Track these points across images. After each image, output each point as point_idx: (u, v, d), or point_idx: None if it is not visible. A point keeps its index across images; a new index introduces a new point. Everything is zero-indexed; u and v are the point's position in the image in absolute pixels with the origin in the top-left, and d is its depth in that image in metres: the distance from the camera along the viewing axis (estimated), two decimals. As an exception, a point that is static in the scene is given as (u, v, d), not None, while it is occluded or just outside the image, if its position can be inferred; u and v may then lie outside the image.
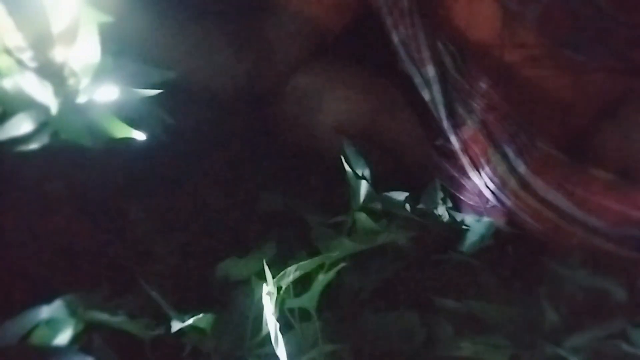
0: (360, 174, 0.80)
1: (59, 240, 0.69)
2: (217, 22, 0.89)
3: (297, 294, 0.65)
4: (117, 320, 0.59)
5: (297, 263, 0.61)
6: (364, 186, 0.78)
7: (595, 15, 0.79)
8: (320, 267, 0.64)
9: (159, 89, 0.65)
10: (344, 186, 0.81)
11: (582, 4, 0.78)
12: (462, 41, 0.89)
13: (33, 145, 0.58)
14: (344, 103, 0.91)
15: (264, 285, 0.59)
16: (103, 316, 0.58)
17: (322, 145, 0.91)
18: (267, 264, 0.62)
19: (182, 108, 0.78)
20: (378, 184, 0.82)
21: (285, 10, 0.94)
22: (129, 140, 0.61)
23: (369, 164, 0.82)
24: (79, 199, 0.73)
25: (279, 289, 0.60)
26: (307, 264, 0.62)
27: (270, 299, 0.58)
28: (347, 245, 0.69)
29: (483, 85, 0.87)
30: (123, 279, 0.65)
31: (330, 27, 0.96)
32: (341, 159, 0.82)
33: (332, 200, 0.83)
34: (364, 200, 0.77)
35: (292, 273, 0.60)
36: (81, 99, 0.59)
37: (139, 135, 0.61)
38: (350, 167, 0.80)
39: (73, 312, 0.59)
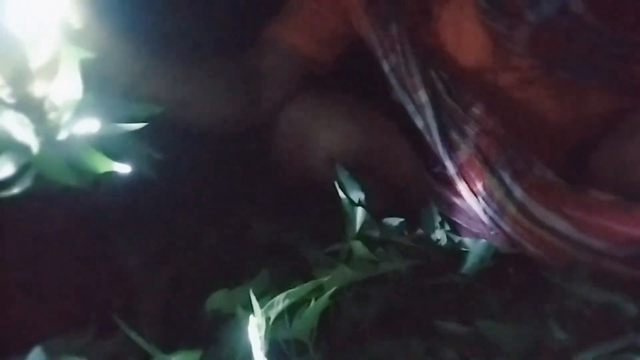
0: (355, 201, 0.76)
1: (45, 283, 0.65)
2: (206, 56, 0.88)
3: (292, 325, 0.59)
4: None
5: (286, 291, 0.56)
6: (360, 213, 0.73)
7: (586, 35, 0.75)
8: (313, 292, 0.59)
9: (144, 123, 0.62)
10: (339, 216, 0.77)
11: (571, 24, 0.74)
12: (453, 67, 0.86)
13: (16, 189, 0.55)
14: (337, 134, 0.87)
15: (251, 316, 0.54)
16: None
17: (316, 176, 0.87)
18: (260, 295, 0.57)
19: (171, 143, 0.75)
20: (374, 211, 0.77)
21: (275, 43, 0.92)
22: (113, 175, 0.57)
23: (364, 189, 0.77)
24: (66, 239, 0.69)
25: (267, 319, 0.55)
26: (296, 292, 0.56)
27: (259, 330, 0.53)
28: (346, 273, 0.64)
29: (476, 110, 0.83)
30: (110, 319, 0.61)
31: (321, 60, 0.94)
32: (334, 188, 0.78)
33: (328, 230, 0.78)
34: (361, 228, 0.72)
35: (280, 302, 0.55)
36: (62, 135, 0.56)
37: (123, 169, 0.57)
38: (345, 193, 0.76)
39: (52, 360, 0.55)
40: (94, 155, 0.56)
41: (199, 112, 0.86)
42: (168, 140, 0.74)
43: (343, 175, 0.78)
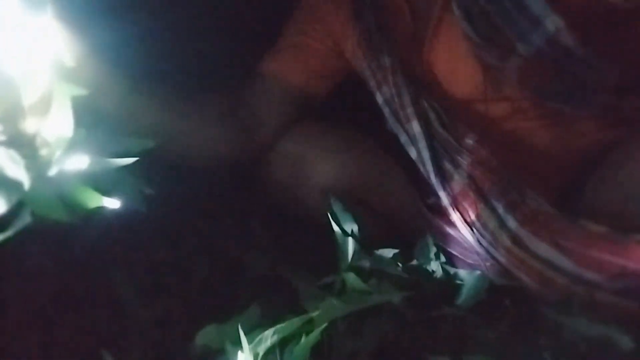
0: (348, 232, 0.75)
1: (32, 317, 0.64)
2: (199, 92, 0.88)
3: (283, 361, 0.58)
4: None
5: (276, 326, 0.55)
6: (351, 244, 0.73)
7: (577, 67, 0.75)
8: (304, 327, 0.58)
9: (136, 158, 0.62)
10: (333, 248, 0.76)
11: (563, 55, 0.74)
12: (445, 98, 0.86)
13: (14, 229, 0.55)
14: (331, 166, 0.87)
15: (239, 352, 0.53)
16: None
17: (310, 208, 0.87)
18: (249, 330, 0.56)
19: (164, 176, 0.75)
20: (368, 244, 0.76)
21: (269, 78, 0.92)
22: (103, 210, 0.57)
23: (357, 221, 0.77)
24: (54, 273, 0.68)
25: (256, 355, 0.54)
26: (286, 327, 0.55)
27: (246, 366, 0.52)
28: (337, 306, 0.63)
29: (469, 140, 0.83)
30: (98, 355, 0.60)
31: (315, 93, 0.94)
32: (329, 220, 0.77)
33: (321, 262, 0.77)
34: (353, 259, 0.72)
35: (269, 337, 0.54)
36: (53, 171, 0.56)
37: (113, 204, 0.57)
38: (338, 225, 0.75)
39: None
40: (84, 191, 0.56)
41: (192, 147, 0.87)
42: (161, 173, 0.75)
43: (337, 206, 0.78)
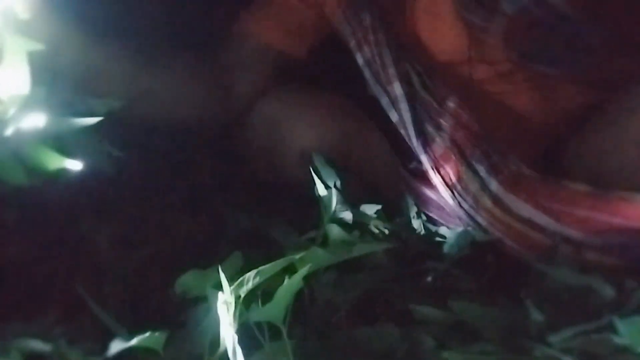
0: (330, 185, 0.74)
1: (10, 266, 0.61)
2: (173, 50, 0.85)
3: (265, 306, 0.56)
4: (53, 348, 0.50)
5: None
6: (334, 196, 0.71)
7: (562, 26, 0.74)
8: (287, 273, 0.56)
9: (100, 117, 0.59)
10: (315, 207, 0.74)
11: (548, 15, 0.73)
12: (428, 59, 0.84)
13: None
14: (311, 128, 0.85)
15: (220, 294, 0.51)
16: (37, 345, 0.50)
17: (290, 170, 0.85)
18: (231, 277, 0.54)
19: (143, 137, 0.73)
20: (350, 199, 0.75)
21: (247, 37, 0.90)
22: (66, 172, 0.54)
23: (340, 176, 0.75)
24: (33, 224, 0.66)
25: (237, 298, 0.52)
26: (269, 268, 0.53)
27: (228, 309, 0.49)
28: (321, 256, 0.61)
29: (451, 103, 0.81)
30: (75, 303, 0.57)
31: (294, 53, 0.92)
32: (308, 183, 0.76)
33: (303, 220, 0.76)
34: (335, 212, 0.70)
35: (251, 279, 0.52)
36: (9, 131, 0.52)
37: (75, 165, 0.54)
38: (321, 179, 0.74)
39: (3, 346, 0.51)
40: (44, 151, 0.53)
41: (164, 108, 0.84)
42: (139, 134, 0.72)
43: (319, 161, 0.76)
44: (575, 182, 0.73)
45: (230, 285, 0.51)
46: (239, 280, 0.52)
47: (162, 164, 0.82)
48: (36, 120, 0.54)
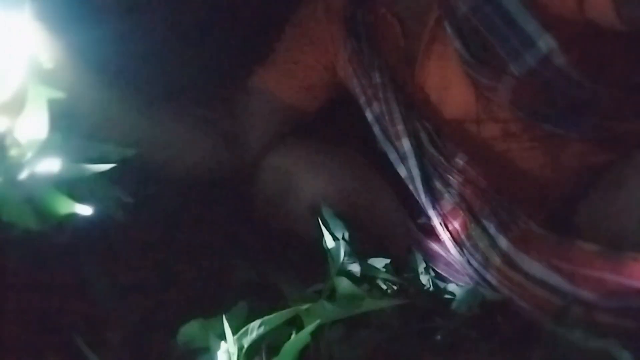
0: (339, 238, 0.72)
1: (11, 311, 0.60)
2: (187, 101, 0.86)
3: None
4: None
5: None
6: (342, 248, 0.69)
7: (570, 88, 0.75)
8: (293, 327, 0.54)
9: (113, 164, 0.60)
10: (322, 260, 0.73)
11: (555, 76, 0.73)
12: (436, 117, 0.85)
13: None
14: (320, 181, 0.85)
15: (222, 342, 0.49)
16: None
17: (297, 224, 0.84)
18: (236, 327, 0.52)
19: (150, 185, 0.73)
20: (358, 252, 0.74)
21: (260, 91, 0.91)
22: (75, 217, 0.54)
23: (348, 228, 0.74)
24: (37, 270, 0.65)
25: (240, 349, 0.50)
26: (273, 319, 0.51)
27: (228, 358, 0.47)
28: (329, 310, 0.59)
29: (459, 160, 0.81)
30: (77, 350, 0.55)
31: (305, 108, 0.93)
32: (316, 235, 0.75)
33: (311, 272, 0.74)
34: (343, 263, 0.68)
35: (255, 329, 0.50)
36: (23, 175, 0.53)
37: (85, 211, 0.54)
38: (329, 231, 0.73)
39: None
40: (55, 196, 0.53)
41: (175, 158, 0.84)
42: (146, 181, 0.72)
43: (327, 213, 0.75)
44: (587, 242, 0.72)
45: (233, 335, 0.50)
46: (244, 329, 0.50)
47: (171, 211, 0.82)
48: (51, 165, 0.54)
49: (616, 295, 0.67)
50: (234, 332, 0.51)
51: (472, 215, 0.77)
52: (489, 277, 0.76)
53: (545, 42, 0.71)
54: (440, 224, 0.80)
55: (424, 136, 0.83)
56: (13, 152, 0.54)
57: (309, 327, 0.52)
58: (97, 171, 0.58)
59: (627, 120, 0.80)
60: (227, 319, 0.52)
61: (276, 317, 0.52)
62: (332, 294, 0.66)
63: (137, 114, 0.80)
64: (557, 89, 0.75)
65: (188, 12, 0.95)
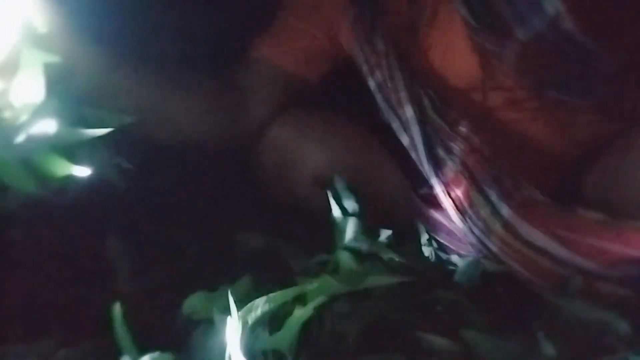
0: (349, 211, 0.72)
1: (11, 284, 0.61)
2: (188, 70, 0.85)
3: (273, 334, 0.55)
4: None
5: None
6: (351, 223, 0.69)
7: (577, 53, 0.73)
8: (297, 302, 0.55)
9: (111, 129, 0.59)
10: (327, 232, 0.73)
11: (562, 41, 0.72)
12: (441, 84, 0.83)
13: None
14: (323, 152, 0.84)
15: (228, 318, 0.50)
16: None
17: (300, 196, 0.84)
18: (240, 300, 0.53)
19: (155, 155, 0.72)
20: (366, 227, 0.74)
21: (261, 62, 0.90)
22: (73, 179, 0.54)
23: (360, 202, 0.74)
24: (37, 240, 0.65)
25: (245, 324, 0.50)
26: (279, 296, 0.52)
27: (236, 335, 0.48)
28: (332, 285, 0.59)
29: (463, 128, 0.80)
30: (81, 323, 0.56)
31: (307, 78, 0.91)
32: (327, 202, 0.74)
33: (315, 243, 0.75)
34: (350, 239, 0.69)
35: (260, 306, 0.51)
36: (20, 138, 0.52)
37: (82, 172, 0.54)
38: (338, 203, 0.72)
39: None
40: (52, 158, 0.53)
41: (176, 128, 0.83)
42: (151, 152, 0.72)
43: (339, 184, 0.75)
44: (590, 211, 0.71)
45: (238, 310, 0.50)
46: (248, 305, 0.50)
47: (174, 183, 0.82)
48: (46, 127, 0.54)
49: (617, 264, 0.68)
50: (238, 307, 0.51)
51: (475, 183, 0.77)
52: (490, 245, 0.76)
53: (553, 5, 0.69)
54: (443, 191, 0.80)
55: (427, 103, 0.82)
56: (7, 114, 0.54)
57: (313, 303, 0.52)
58: (95, 136, 0.58)
59: (634, 88, 0.78)
60: (231, 293, 0.53)
61: (282, 295, 0.52)
62: (335, 268, 0.67)
63: (137, 81, 0.79)
64: (563, 55, 0.74)
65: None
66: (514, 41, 0.74)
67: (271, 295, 0.52)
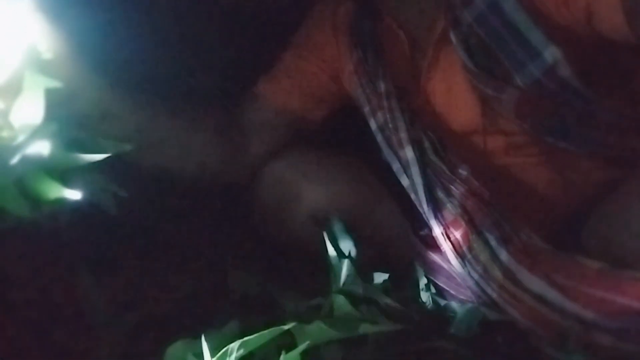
0: (344, 254, 0.71)
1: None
2: (191, 103, 0.85)
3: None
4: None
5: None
6: (346, 266, 0.68)
7: (575, 100, 0.73)
8: (284, 347, 0.52)
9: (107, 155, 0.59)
10: (322, 274, 0.71)
11: (560, 88, 0.71)
12: (441, 127, 0.83)
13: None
14: (322, 191, 0.83)
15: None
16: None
17: (297, 234, 0.82)
18: (224, 345, 0.51)
19: (147, 187, 0.71)
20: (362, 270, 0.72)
21: (264, 99, 0.90)
22: (63, 202, 0.53)
23: (356, 245, 0.72)
24: (26, 273, 0.63)
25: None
26: (254, 340, 0.50)
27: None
28: (324, 331, 0.57)
29: (463, 172, 0.79)
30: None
31: (309, 118, 0.91)
32: (323, 243, 0.73)
33: (310, 286, 0.73)
34: (345, 282, 0.67)
35: (235, 350, 0.48)
36: (15, 159, 0.52)
37: (73, 195, 0.53)
38: (334, 245, 0.71)
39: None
40: (44, 180, 0.52)
41: (175, 160, 0.82)
42: (148, 182, 0.71)
43: (337, 226, 0.73)
44: (589, 259, 0.70)
45: (212, 358, 0.48)
46: (223, 350, 0.48)
47: (168, 217, 0.80)
48: (41, 148, 0.54)
49: (616, 315, 0.65)
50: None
51: (474, 227, 0.76)
52: (489, 290, 0.74)
53: (551, 53, 0.69)
54: (442, 234, 0.78)
55: (427, 145, 0.81)
56: (5, 133, 0.53)
57: (299, 348, 0.50)
58: (90, 161, 0.57)
59: (633, 136, 0.77)
60: (216, 339, 0.50)
61: (258, 338, 0.50)
62: (329, 312, 0.64)
63: (138, 110, 0.78)
64: (562, 102, 0.73)
65: (199, 15, 0.94)
66: (513, 87, 0.73)
67: (246, 339, 0.49)
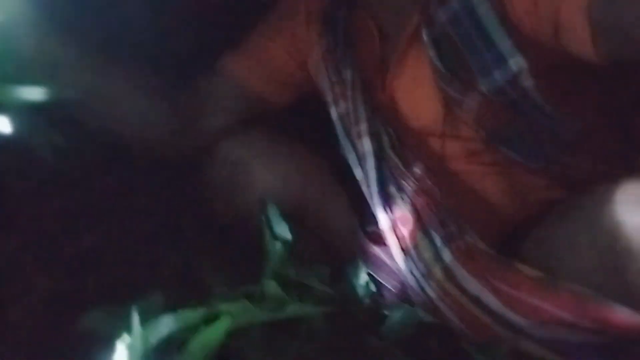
0: (281, 239, 0.68)
1: None
2: (149, 69, 0.81)
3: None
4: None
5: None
6: (281, 250, 0.65)
7: (533, 113, 0.73)
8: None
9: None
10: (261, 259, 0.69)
11: (520, 99, 0.72)
12: (401, 124, 0.82)
13: None
14: (273, 174, 0.81)
15: (125, 335, 0.44)
16: None
17: (243, 217, 0.80)
18: (148, 319, 0.48)
19: (93, 144, 0.67)
20: (299, 257, 0.70)
21: (225, 74, 0.87)
22: None
23: (292, 231, 0.70)
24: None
25: (147, 343, 0.45)
26: (186, 315, 0.47)
27: (131, 354, 0.43)
28: (249, 311, 0.55)
29: (417, 170, 0.79)
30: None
31: (269, 100, 0.89)
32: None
33: (248, 272, 0.70)
34: (278, 266, 0.64)
35: (167, 324, 0.45)
36: None
37: (3, 125, 0.50)
38: (270, 229, 0.68)
39: None
40: None
41: (124, 120, 0.79)
42: (92, 136, 0.67)
43: (273, 212, 0.71)
44: (528, 267, 0.71)
45: (142, 329, 0.45)
46: (153, 323, 0.45)
47: (109, 180, 0.76)
48: None
49: (547, 325, 0.67)
50: (144, 323, 0.46)
51: (421, 224, 0.76)
52: (428, 289, 0.74)
53: (516, 62, 0.70)
54: (389, 228, 0.77)
55: (385, 139, 0.81)
56: None
57: (221, 324, 0.47)
58: (30, 98, 0.53)
59: (583, 158, 0.78)
60: (137, 310, 0.47)
61: (192, 314, 0.47)
62: (261, 297, 0.62)
63: (90, 64, 0.75)
64: (521, 113, 0.74)
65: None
66: (477, 92, 0.73)
67: (180, 312, 0.46)
